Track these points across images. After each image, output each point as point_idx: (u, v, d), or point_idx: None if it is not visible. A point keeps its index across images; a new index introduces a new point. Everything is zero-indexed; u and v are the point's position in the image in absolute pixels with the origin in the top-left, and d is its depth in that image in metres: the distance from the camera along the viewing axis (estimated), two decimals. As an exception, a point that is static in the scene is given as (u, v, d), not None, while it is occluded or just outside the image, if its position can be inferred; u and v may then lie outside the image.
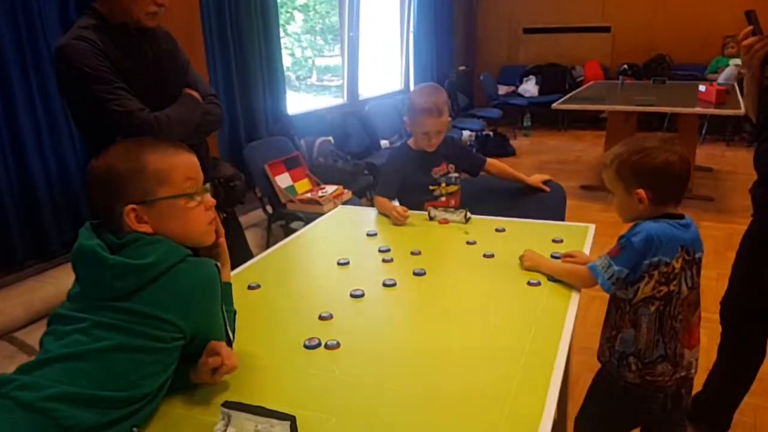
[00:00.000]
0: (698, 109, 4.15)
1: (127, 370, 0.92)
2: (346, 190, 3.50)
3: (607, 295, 1.40)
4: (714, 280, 3.09)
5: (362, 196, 4.04)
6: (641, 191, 1.31)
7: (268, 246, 3.65)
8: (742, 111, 3.98)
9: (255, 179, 3.50)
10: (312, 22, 6.63)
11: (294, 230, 3.85)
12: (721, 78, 5.88)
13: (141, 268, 0.96)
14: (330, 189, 3.46)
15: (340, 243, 1.92)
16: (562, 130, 7.51)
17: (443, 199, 2.13)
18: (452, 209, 1.97)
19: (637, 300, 1.31)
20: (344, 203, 3.39)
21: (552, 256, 1.63)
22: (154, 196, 1.01)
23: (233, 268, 1.40)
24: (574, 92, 5.57)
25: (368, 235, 1.90)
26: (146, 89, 1.78)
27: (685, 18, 6.90)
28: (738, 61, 6.20)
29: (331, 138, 4.16)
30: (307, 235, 1.99)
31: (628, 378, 1.36)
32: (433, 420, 0.99)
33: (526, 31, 7.93)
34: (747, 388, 1.83)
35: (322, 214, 3.20)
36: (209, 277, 1.02)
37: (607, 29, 7.46)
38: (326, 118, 4.67)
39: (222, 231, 1.17)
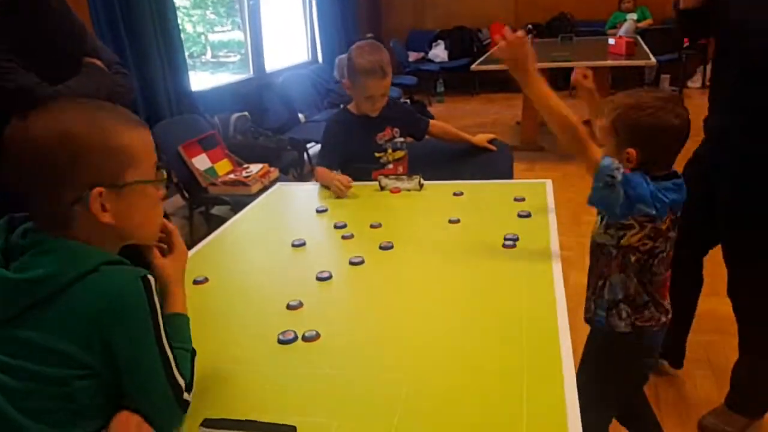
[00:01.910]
0: (613, 62, 4.28)
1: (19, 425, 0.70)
2: (272, 168, 3.28)
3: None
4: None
5: (287, 173, 3.83)
6: (632, 151, 1.20)
7: (191, 236, 3.37)
8: (652, 62, 4.14)
9: (168, 163, 3.19)
10: (201, -5, 6.18)
11: (216, 216, 3.62)
12: (621, 32, 6.09)
13: (25, 283, 0.73)
14: (255, 168, 3.22)
15: (288, 223, 1.75)
16: (474, 94, 7.57)
17: (390, 166, 1.99)
18: (404, 177, 1.85)
19: (623, 245, 1.25)
20: (272, 182, 3.18)
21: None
22: (124, 180, 0.79)
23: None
24: (488, 53, 5.57)
25: (318, 211, 1.74)
26: (38, 61, 1.50)
27: (583, -25, 7.09)
28: (634, 16, 6.48)
29: (247, 113, 3.88)
30: (247, 218, 1.79)
31: (619, 328, 1.30)
32: (449, 414, 0.87)
33: (431, -6, 7.86)
34: (691, 317, 1.87)
35: (250, 196, 3.00)
36: (128, 288, 0.75)
37: (509, -11, 7.55)
38: (239, 93, 4.36)
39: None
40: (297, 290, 1.25)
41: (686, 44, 6.19)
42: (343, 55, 5.82)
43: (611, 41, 4.60)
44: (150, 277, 0.78)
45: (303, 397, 0.92)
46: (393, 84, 6.38)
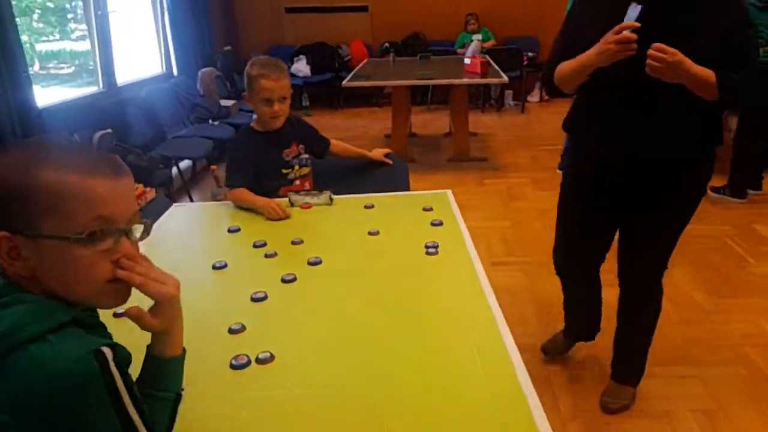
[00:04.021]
0: (470, 80, 4.64)
1: None
2: (147, 188, 3.08)
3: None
4: (511, 229, 3.52)
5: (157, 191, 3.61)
6: None
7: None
8: (504, 79, 4.56)
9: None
10: (27, 2, 5.62)
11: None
12: (469, 51, 6.59)
13: None
14: (128, 189, 3.00)
15: (202, 246, 1.67)
16: (339, 108, 7.71)
17: (297, 182, 1.99)
18: (314, 192, 1.86)
19: None
20: (149, 203, 2.99)
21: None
22: (36, 230, 0.70)
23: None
24: (355, 70, 5.72)
25: (230, 231, 1.69)
26: None
27: (433, -3, 7.55)
28: (480, 36, 7.06)
29: (110, 130, 3.60)
30: (152, 244, 1.67)
31: None
32: (426, 412, 0.92)
33: (288, 10, 7.86)
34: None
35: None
36: (77, 367, 0.66)
37: (365, 9, 7.80)
38: (95, 108, 4.01)
39: (173, 283, 0.81)
40: (235, 313, 1.22)
41: (525, 62, 6.88)
42: (207, 69, 5.64)
43: (467, 60, 4.98)
44: (105, 349, 0.68)
45: (275, 418, 0.91)
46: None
